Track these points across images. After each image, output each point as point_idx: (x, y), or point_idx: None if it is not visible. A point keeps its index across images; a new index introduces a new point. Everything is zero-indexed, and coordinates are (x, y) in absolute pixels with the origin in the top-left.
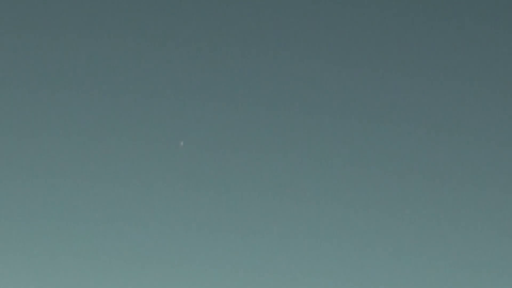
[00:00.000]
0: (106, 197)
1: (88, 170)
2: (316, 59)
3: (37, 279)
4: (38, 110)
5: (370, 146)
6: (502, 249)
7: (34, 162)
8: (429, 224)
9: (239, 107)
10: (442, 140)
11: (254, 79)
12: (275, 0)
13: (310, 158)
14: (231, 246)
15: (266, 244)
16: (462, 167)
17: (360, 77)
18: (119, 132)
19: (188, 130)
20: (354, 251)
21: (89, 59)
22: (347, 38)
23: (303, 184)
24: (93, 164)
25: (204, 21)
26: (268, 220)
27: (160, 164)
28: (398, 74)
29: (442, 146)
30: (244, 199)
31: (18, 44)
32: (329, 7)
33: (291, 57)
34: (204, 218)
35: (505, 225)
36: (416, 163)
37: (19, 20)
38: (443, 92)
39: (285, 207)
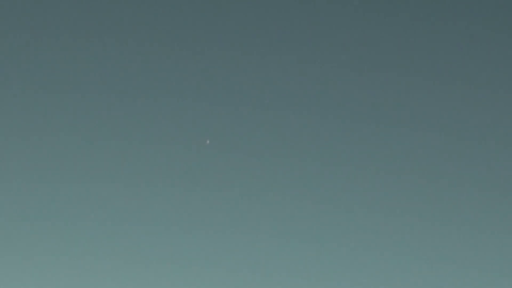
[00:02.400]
0: (123, 197)
1: (112, 170)
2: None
3: (37, 279)
4: (59, 109)
5: (370, 147)
6: (502, 249)
7: (56, 162)
8: (429, 224)
9: (261, 108)
10: (442, 140)
11: (271, 82)
12: (276, 0)
13: (319, 159)
14: (243, 246)
15: (278, 245)
16: (462, 167)
17: (361, 78)
18: (144, 132)
19: (215, 129)
20: (354, 251)
21: (115, 59)
22: (347, 39)
23: (312, 185)
24: (117, 163)
25: (227, 22)
26: (284, 220)
27: (186, 162)
28: (398, 75)
29: (441, 147)
30: (252, 199)
31: (21, 44)
32: (329, 7)
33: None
34: (220, 218)
35: (505, 225)
36: (416, 163)
37: (19, 20)
38: (443, 92)
39: (297, 208)
